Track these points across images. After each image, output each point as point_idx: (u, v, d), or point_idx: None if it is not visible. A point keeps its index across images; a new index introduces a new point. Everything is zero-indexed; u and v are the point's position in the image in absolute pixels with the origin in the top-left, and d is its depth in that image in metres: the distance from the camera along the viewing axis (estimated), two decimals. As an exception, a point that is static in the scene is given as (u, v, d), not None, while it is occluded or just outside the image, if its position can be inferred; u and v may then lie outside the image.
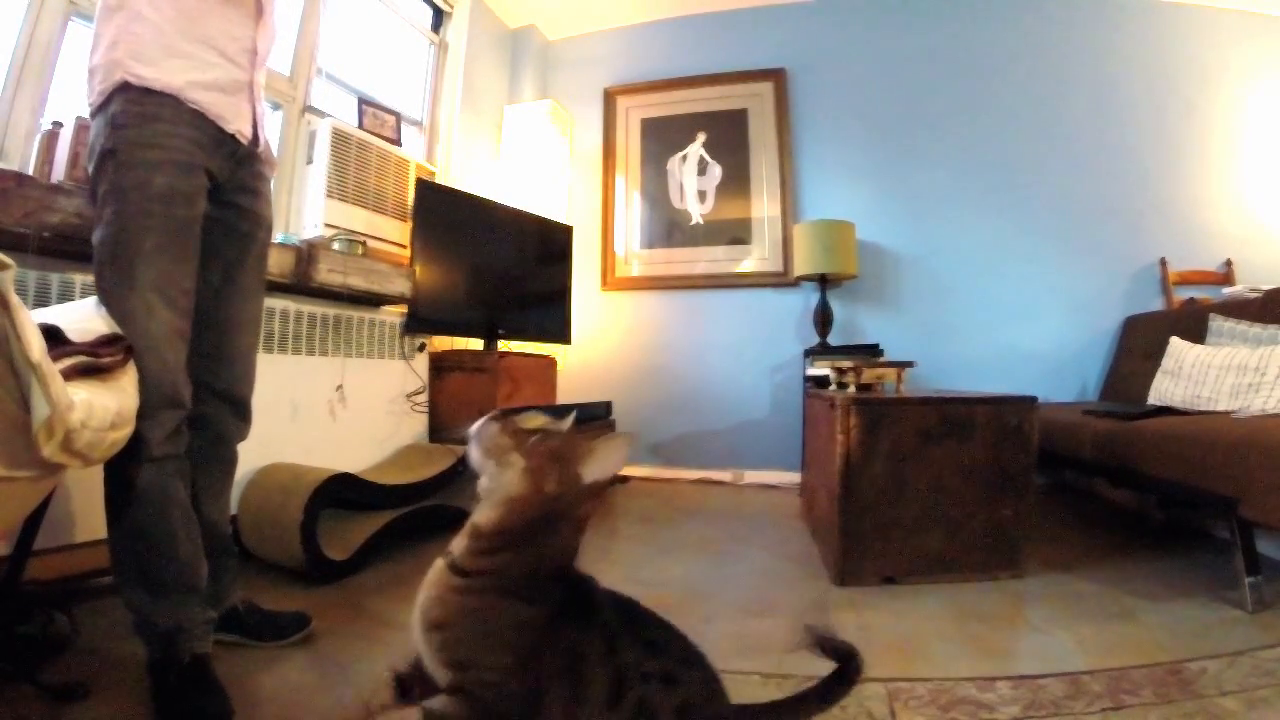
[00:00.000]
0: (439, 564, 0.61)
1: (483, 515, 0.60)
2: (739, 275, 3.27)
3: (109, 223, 0.99)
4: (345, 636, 1.29)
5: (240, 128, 1.14)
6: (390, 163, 2.42)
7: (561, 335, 3.06)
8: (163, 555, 1.00)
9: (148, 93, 1.02)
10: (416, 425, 2.48)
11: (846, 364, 2.19)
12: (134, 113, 1.00)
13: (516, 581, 0.58)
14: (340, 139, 2.21)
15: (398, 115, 2.62)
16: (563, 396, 3.17)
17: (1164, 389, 2.13)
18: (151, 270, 1.00)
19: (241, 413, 1.20)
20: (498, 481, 0.58)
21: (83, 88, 1.08)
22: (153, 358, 0.99)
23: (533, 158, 3.23)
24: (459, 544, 0.60)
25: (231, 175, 1.15)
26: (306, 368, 1.99)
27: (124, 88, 1.01)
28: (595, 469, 0.59)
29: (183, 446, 1.06)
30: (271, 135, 2.18)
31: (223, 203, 1.14)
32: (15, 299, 0.67)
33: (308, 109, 2.31)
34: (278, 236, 1.99)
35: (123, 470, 0.97)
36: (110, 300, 0.99)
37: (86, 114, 1.08)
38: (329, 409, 2.07)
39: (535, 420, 0.61)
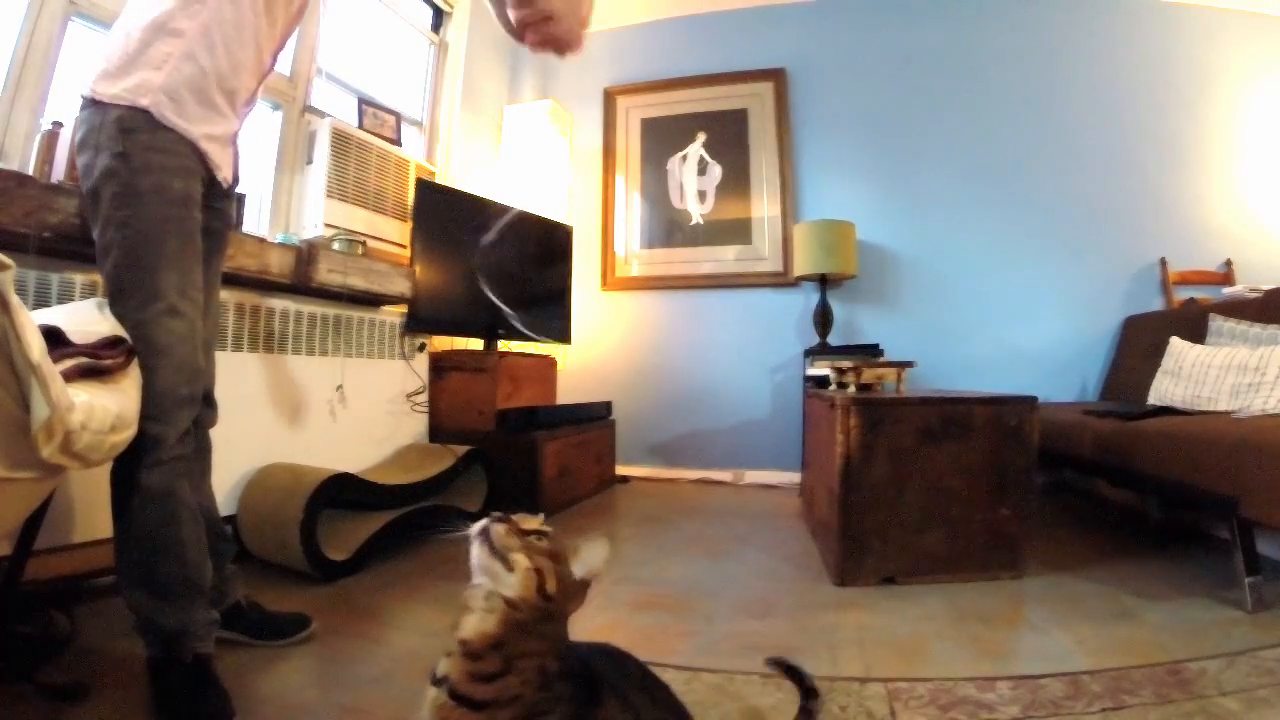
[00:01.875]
0: (439, 697, 0.56)
1: (471, 628, 0.56)
2: (739, 275, 3.27)
3: (125, 225, 0.99)
4: (345, 636, 1.29)
5: (225, 175, 1.18)
6: (390, 163, 2.42)
7: (561, 335, 3.06)
8: (170, 558, 1.00)
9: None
10: (416, 425, 2.48)
11: (846, 364, 2.19)
12: (143, 119, 1.01)
13: (533, 697, 0.55)
14: (340, 139, 2.21)
15: (398, 115, 2.62)
16: (563, 396, 3.18)
17: (1164, 389, 2.13)
18: (174, 273, 1.02)
19: (210, 401, 1.23)
20: (501, 582, 0.56)
21: (87, 69, 1.05)
22: (174, 358, 1.00)
23: (533, 158, 3.23)
24: (450, 666, 0.56)
25: (211, 181, 1.16)
26: (306, 368, 1.99)
27: (141, 112, 1.00)
28: (581, 568, 0.59)
29: (191, 447, 1.06)
30: (271, 135, 2.20)
31: (204, 206, 1.15)
32: (15, 299, 0.67)
33: (308, 109, 2.31)
34: (278, 237, 1.99)
35: (130, 472, 0.97)
36: (133, 303, 0.99)
37: (84, 92, 1.04)
38: (329, 409, 2.07)
39: (532, 521, 0.61)
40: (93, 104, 1.02)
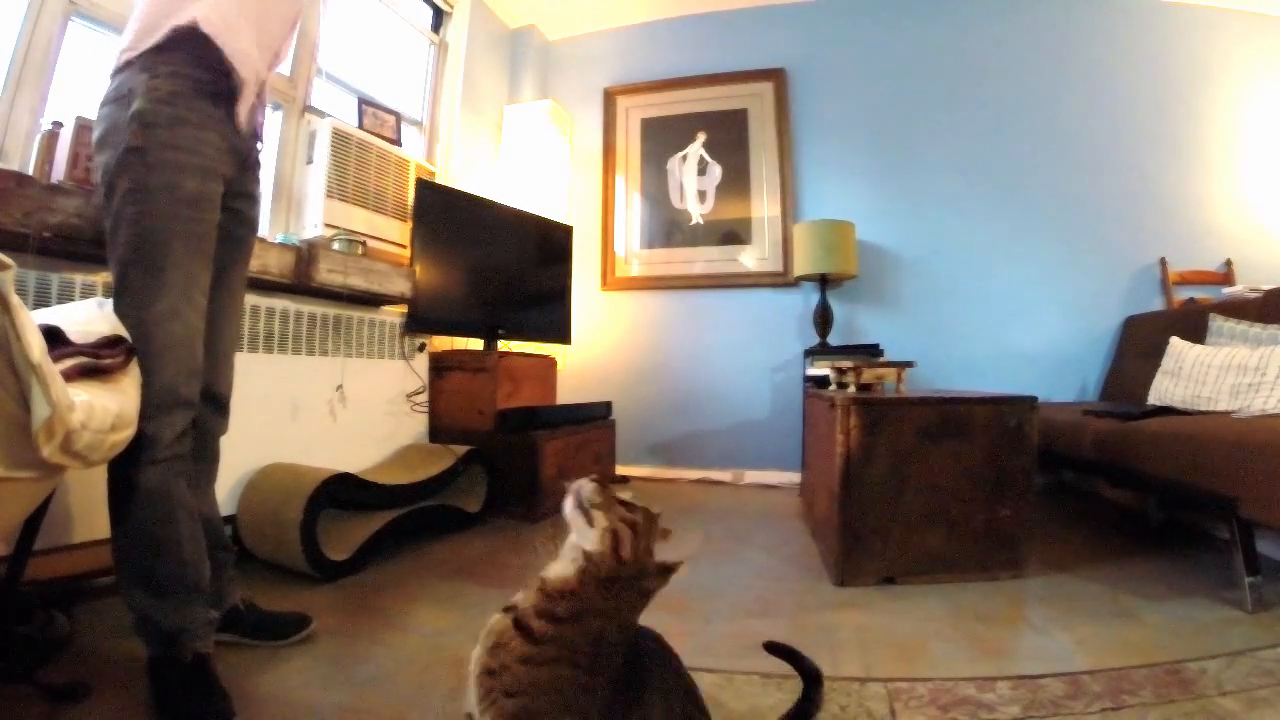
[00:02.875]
0: (503, 621, 0.59)
1: (554, 571, 0.61)
2: (739, 275, 3.27)
3: (134, 222, 0.99)
4: (345, 636, 1.29)
5: (246, 116, 1.15)
6: (390, 163, 2.42)
7: (561, 335, 3.06)
8: (167, 556, 1.00)
9: (188, 91, 1.03)
10: (416, 425, 2.48)
11: (846, 364, 2.19)
12: (165, 114, 1.01)
13: (584, 653, 0.58)
14: (340, 139, 2.21)
15: (398, 115, 2.62)
16: (563, 396, 3.18)
17: (1164, 389, 2.13)
18: (179, 273, 1.02)
19: (222, 409, 1.22)
20: (583, 535, 0.61)
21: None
22: (173, 359, 1.00)
23: (533, 158, 3.23)
24: (525, 598, 0.60)
25: (235, 180, 1.16)
26: (306, 368, 1.99)
27: (185, 35, 1.01)
28: (668, 551, 0.62)
29: (188, 446, 1.06)
30: (271, 135, 2.20)
31: (224, 207, 1.14)
32: (15, 299, 0.67)
33: (308, 109, 2.31)
34: (278, 237, 1.99)
35: (127, 471, 0.97)
36: (135, 301, 0.99)
37: (111, 72, 1.04)
38: (329, 409, 2.07)
39: (626, 493, 0.65)
40: (115, 100, 1.01)
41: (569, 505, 0.62)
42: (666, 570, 0.63)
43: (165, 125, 1.00)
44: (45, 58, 1.55)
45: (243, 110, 1.13)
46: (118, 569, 1.02)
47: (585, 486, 0.63)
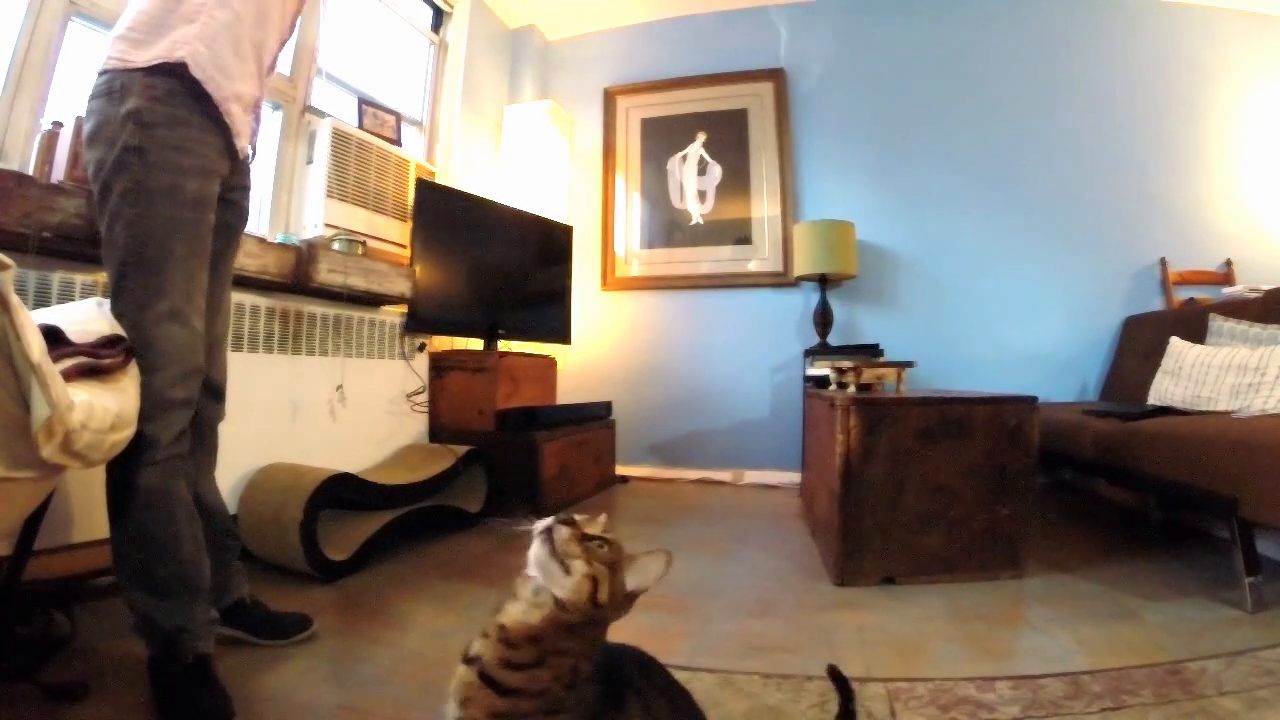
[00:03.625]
0: (468, 675, 0.56)
1: (512, 617, 0.57)
2: (739, 275, 3.27)
3: (133, 224, 0.98)
4: (345, 636, 1.29)
5: (243, 145, 1.17)
6: (390, 163, 2.42)
7: (561, 335, 3.06)
8: (167, 557, 1.00)
9: (183, 91, 1.02)
10: (416, 425, 2.48)
11: (846, 364, 2.19)
12: (163, 113, 1.00)
13: (559, 696, 0.56)
14: (340, 139, 2.21)
15: (398, 115, 2.62)
16: (563, 396, 3.18)
17: (1164, 389, 2.13)
18: (181, 275, 1.02)
19: (219, 397, 1.22)
20: (555, 583, 0.57)
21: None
22: (174, 359, 1.00)
23: (533, 158, 3.23)
24: (484, 648, 0.57)
25: (229, 176, 1.16)
26: (306, 368, 1.99)
27: (175, 70, 1.00)
28: (637, 579, 0.60)
29: (187, 445, 1.06)
30: (271, 135, 2.20)
31: (220, 199, 1.14)
32: (15, 299, 0.67)
33: (308, 109, 2.31)
34: (278, 237, 1.99)
35: (126, 472, 0.97)
36: (134, 302, 0.99)
37: (100, 69, 1.02)
38: (329, 409, 2.07)
39: (595, 526, 0.62)
40: (106, 94, 1.00)
41: (542, 551, 0.58)
42: (633, 598, 0.60)
43: (165, 125, 1.00)
44: (45, 58, 1.55)
45: (240, 143, 1.14)
46: (117, 569, 1.02)
47: (560, 533, 0.59)
